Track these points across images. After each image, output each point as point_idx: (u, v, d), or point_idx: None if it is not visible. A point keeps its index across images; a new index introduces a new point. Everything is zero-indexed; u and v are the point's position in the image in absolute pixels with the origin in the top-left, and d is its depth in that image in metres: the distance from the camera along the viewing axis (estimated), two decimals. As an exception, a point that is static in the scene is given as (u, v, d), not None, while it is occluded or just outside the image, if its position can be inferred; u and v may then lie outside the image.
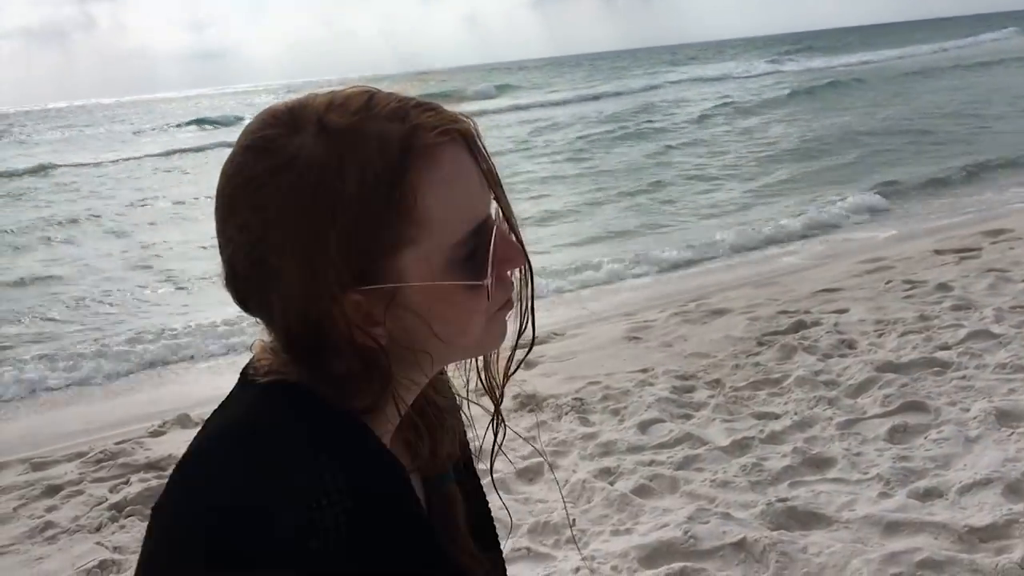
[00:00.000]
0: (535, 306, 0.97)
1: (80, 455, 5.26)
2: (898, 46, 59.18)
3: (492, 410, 1.04)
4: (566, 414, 4.92)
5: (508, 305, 0.94)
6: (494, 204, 0.91)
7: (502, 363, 1.02)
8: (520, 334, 0.99)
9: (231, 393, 0.92)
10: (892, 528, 3.39)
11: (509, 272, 0.93)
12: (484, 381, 1.03)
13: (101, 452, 5.20)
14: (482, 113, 35.42)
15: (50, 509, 4.50)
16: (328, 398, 0.86)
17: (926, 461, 3.89)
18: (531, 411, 5.04)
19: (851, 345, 5.52)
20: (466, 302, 0.87)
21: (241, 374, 0.92)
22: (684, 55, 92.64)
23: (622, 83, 47.68)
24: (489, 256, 0.87)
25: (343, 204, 0.79)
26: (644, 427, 4.63)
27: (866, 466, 3.94)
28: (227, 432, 0.86)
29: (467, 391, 1.10)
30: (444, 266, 0.84)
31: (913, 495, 3.62)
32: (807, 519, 3.55)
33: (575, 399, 5.08)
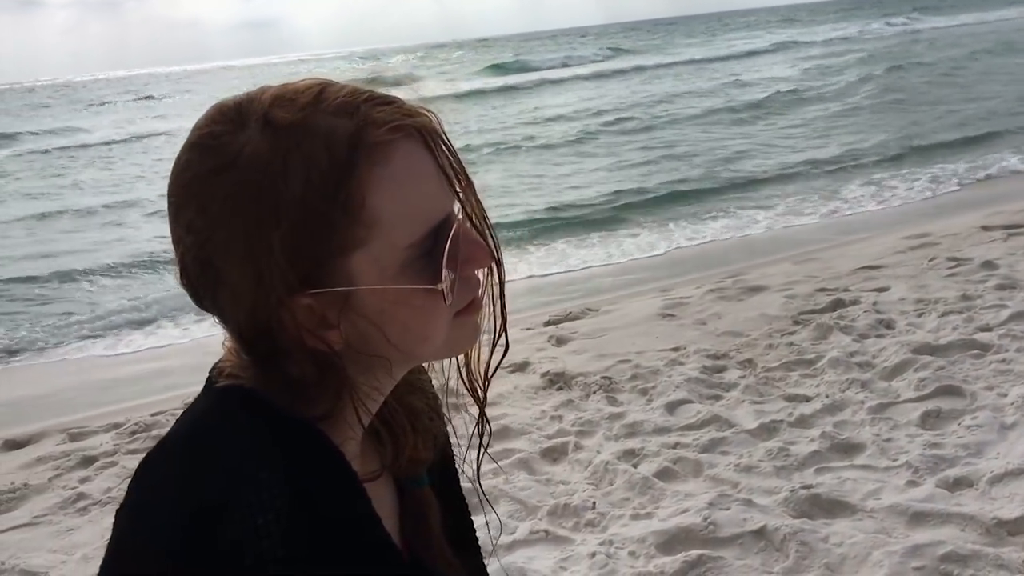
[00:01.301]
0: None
1: (116, 426, 5.36)
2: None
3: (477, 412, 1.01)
4: (594, 393, 4.89)
5: (475, 305, 0.90)
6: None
7: (482, 364, 0.99)
8: (495, 339, 0.95)
9: (199, 394, 0.90)
10: (918, 519, 3.32)
11: (477, 272, 0.89)
12: (466, 382, 1.00)
13: (136, 424, 5.29)
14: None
15: (83, 480, 4.59)
16: (283, 404, 0.84)
17: (958, 449, 3.79)
18: (559, 389, 5.01)
19: (889, 325, 5.40)
20: (424, 306, 0.83)
21: (209, 374, 0.91)
22: (760, 19, 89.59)
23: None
24: (443, 258, 0.82)
25: (287, 205, 0.76)
26: (671, 408, 4.58)
27: (895, 453, 3.85)
28: (179, 438, 0.85)
29: (447, 391, 1.07)
30: (397, 268, 0.81)
31: (942, 484, 3.53)
32: (831, 507, 3.49)
33: (604, 378, 5.04)
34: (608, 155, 16.45)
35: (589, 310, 6.65)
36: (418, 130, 0.82)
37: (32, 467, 4.85)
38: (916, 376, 4.52)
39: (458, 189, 0.86)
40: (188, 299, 0.86)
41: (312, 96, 0.80)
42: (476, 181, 0.89)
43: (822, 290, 6.28)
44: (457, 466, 1.16)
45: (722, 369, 5.07)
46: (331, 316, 0.81)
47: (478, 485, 1.09)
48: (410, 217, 0.80)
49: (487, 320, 0.94)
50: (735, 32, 63.48)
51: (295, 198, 0.76)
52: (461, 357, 0.98)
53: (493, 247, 0.90)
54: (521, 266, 8.88)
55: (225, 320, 0.84)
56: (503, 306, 0.93)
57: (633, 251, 9.24)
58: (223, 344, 0.92)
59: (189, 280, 0.83)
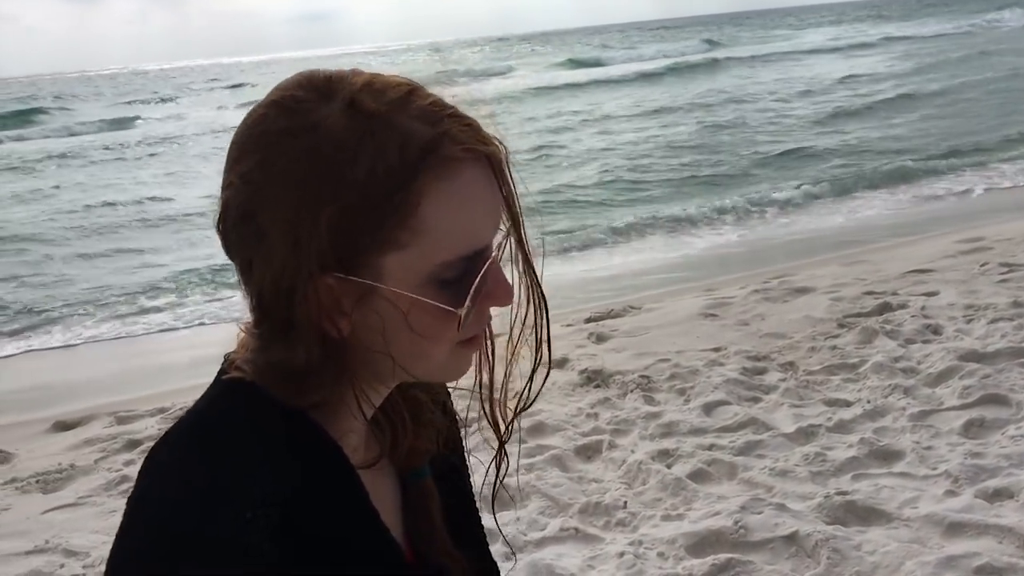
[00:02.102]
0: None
1: (162, 410, 5.47)
2: None
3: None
4: (631, 391, 4.87)
5: (476, 341, 0.91)
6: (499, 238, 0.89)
7: (510, 396, 0.99)
8: (534, 370, 0.95)
9: (209, 385, 0.92)
10: (954, 529, 3.26)
11: (491, 310, 0.91)
12: (487, 414, 1.01)
13: (181, 408, 5.37)
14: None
15: (128, 463, 4.69)
16: (284, 394, 0.85)
17: (1000, 459, 3.71)
18: (596, 387, 5.00)
19: (936, 331, 5.30)
20: (434, 325, 0.84)
21: (221, 364, 0.93)
22: (835, 15, 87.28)
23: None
24: (472, 287, 0.83)
25: (347, 187, 0.77)
26: (709, 409, 4.54)
27: (935, 461, 3.79)
28: (181, 431, 0.87)
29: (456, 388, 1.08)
30: (423, 280, 0.82)
31: (981, 495, 3.47)
32: (866, 514, 3.44)
33: (642, 376, 5.02)
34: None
35: (631, 308, 6.62)
36: (488, 158, 0.83)
37: (79, 449, 4.97)
38: (961, 384, 4.44)
39: (506, 225, 0.87)
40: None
41: (401, 94, 0.81)
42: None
43: (869, 293, 6.18)
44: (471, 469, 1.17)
45: (762, 371, 5.02)
46: (347, 303, 0.82)
47: (493, 517, 1.11)
48: (453, 236, 0.81)
49: (529, 357, 0.94)
50: (821, 28, 61.64)
51: (356, 183, 0.77)
52: (485, 381, 0.99)
53: (536, 290, 0.91)
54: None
55: (248, 279, 0.84)
56: (548, 345, 0.94)
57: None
58: (238, 335, 0.93)
59: (227, 228, 0.84)
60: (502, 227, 0.88)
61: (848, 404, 4.46)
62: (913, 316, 5.53)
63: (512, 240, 0.89)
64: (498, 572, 1.18)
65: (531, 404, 0.99)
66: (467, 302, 0.83)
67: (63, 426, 5.43)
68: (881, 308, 5.81)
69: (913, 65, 26.87)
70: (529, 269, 0.90)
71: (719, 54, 40.45)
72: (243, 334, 0.92)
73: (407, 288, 0.81)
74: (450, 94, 0.85)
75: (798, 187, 11.60)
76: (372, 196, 0.77)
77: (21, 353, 7.69)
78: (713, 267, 8.27)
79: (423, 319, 0.83)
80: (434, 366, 0.88)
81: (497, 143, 0.84)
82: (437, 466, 1.08)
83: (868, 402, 4.42)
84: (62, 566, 3.62)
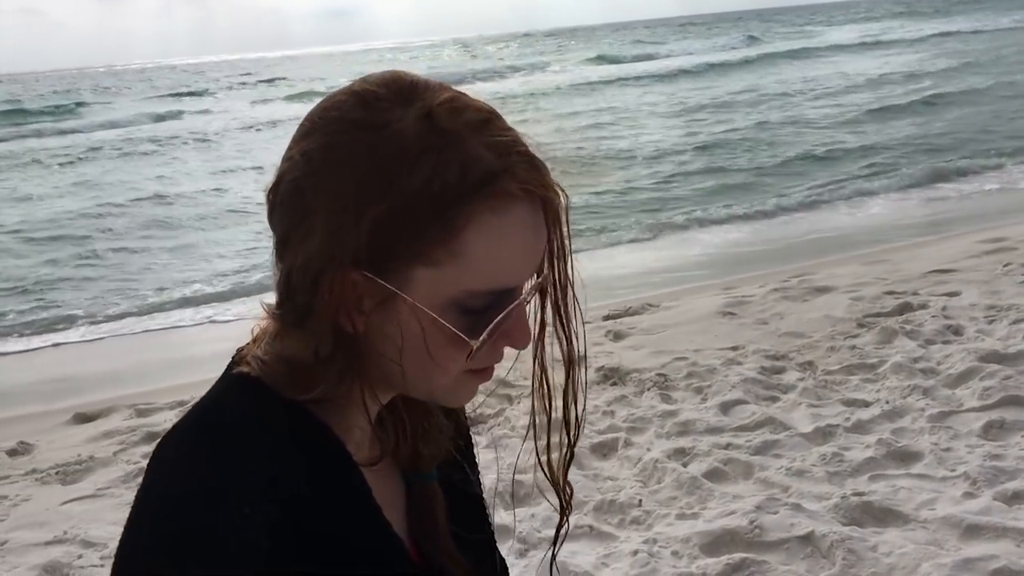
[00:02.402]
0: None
1: (181, 404, 5.50)
2: None
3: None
4: (648, 390, 4.86)
5: (485, 375, 0.91)
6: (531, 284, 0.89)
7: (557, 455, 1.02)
8: (572, 432, 0.99)
9: (218, 378, 0.93)
10: (972, 531, 3.23)
11: (505, 349, 0.90)
12: (547, 474, 1.03)
13: (199, 403, 5.42)
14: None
15: (146, 456, 4.68)
16: (289, 389, 0.86)
17: (1019, 461, 3.68)
18: (613, 384, 4.99)
19: (957, 331, 5.26)
20: (446, 349, 0.84)
21: (232, 358, 0.94)
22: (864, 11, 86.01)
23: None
24: (492, 323, 0.84)
25: (398, 192, 0.77)
26: (726, 408, 4.53)
27: (954, 463, 3.75)
28: (188, 424, 0.87)
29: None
30: (447, 303, 0.82)
31: (1000, 497, 3.43)
32: (883, 516, 3.42)
33: (659, 375, 5.01)
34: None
35: (649, 305, 6.61)
36: (543, 202, 0.83)
37: (99, 441, 5.01)
38: (981, 385, 4.40)
39: (546, 272, 0.88)
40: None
41: (478, 119, 0.81)
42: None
43: (890, 293, 6.14)
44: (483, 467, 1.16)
45: (781, 370, 4.99)
46: (367, 303, 0.82)
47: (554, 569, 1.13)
48: (488, 269, 0.81)
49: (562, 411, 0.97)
50: (856, 24, 60.33)
51: (408, 191, 0.77)
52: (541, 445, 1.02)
53: (569, 344, 0.92)
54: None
55: (282, 254, 0.85)
56: (576, 403, 0.97)
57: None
58: (252, 329, 0.94)
59: (275, 197, 0.85)
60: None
61: (866, 404, 4.43)
62: (934, 316, 5.49)
63: (551, 289, 0.90)
64: (506, 570, 1.18)
65: (569, 464, 1.03)
66: (483, 335, 0.83)
67: (83, 418, 5.48)
68: (901, 308, 5.77)
69: (959, 62, 26.39)
70: (566, 323, 0.91)
71: (763, 50, 40.01)
72: (258, 327, 0.93)
73: (429, 305, 0.82)
74: (529, 137, 0.85)
75: (825, 185, 11.54)
76: (420, 208, 0.78)
77: (49, 346, 7.76)
78: (733, 265, 8.24)
79: (436, 340, 0.83)
80: (437, 388, 0.89)
81: (558, 190, 0.84)
82: (444, 470, 1.08)
83: (887, 403, 4.39)
84: (80, 557, 3.66)
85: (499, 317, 0.83)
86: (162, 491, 0.82)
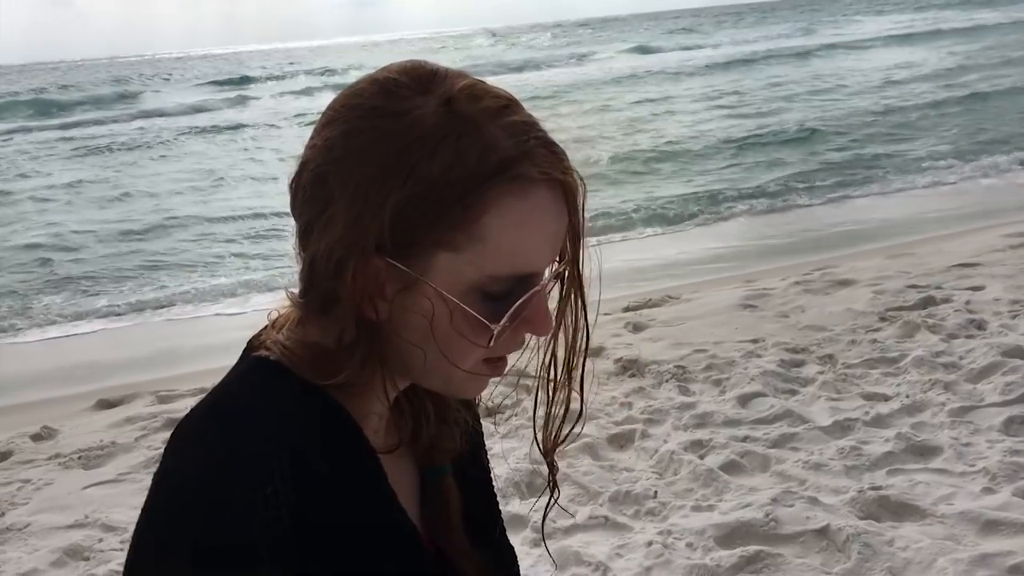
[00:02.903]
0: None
1: (202, 391, 5.49)
2: None
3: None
4: (666, 381, 4.85)
5: (501, 366, 0.92)
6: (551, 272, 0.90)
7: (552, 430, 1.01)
8: (581, 412, 0.98)
9: (235, 362, 0.95)
10: (990, 527, 3.21)
11: (526, 338, 0.91)
12: (540, 444, 1.02)
13: (220, 390, 5.46)
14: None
15: (166, 442, 4.76)
16: (310, 373, 0.87)
17: (1040, 457, 3.65)
18: (632, 376, 4.98)
19: (980, 326, 5.20)
20: (467, 335, 0.85)
21: (248, 343, 0.95)
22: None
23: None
24: (513, 307, 0.84)
25: (419, 177, 0.79)
26: (744, 400, 4.51)
27: (973, 458, 3.72)
28: (205, 406, 0.89)
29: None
30: (469, 288, 0.83)
31: (1019, 493, 3.40)
32: (899, 510, 3.40)
33: (677, 367, 5.00)
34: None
35: (670, 297, 6.58)
36: (563, 187, 0.84)
37: (121, 427, 5.05)
38: (1003, 380, 4.36)
39: (570, 258, 0.89)
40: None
41: (498, 105, 0.83)
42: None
43: (913, 286, 6.08)
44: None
45: (800, 364, 4.96)
46: (389, 290, 0.83)
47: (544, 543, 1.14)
48: (508, 253, 0.82)
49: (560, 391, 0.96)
50: (904, 12, 56.89)
51: (429, 176, 0.79)
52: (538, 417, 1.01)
53: (582, 322, 0.92)
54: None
55: (305, 243, 0.86)
56: (581, 381, 0.96)
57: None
58: (268, 316, 0.96)
59: (298, 185, 0.86)
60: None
61: (886, 398, 4.40)
62: (957, 310, 5.44)
63: (569, 275, 0.90)
64: (515, 560, 1.18)
65: (563, 442, 1.01)
66: (504, 319, 0.84)
67: (106, 404, 5.53)
68: (924, 302, 5.72)
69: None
70: (582, 308, 0.92)
71: (821, 40, 38.69)
72: (276, 314, 0.95)
73: (450, 291, 0.83)
74: (549, 123, 0.87)
75: (854, 175, 11.45)
76: (441, 193, 0.79)
77: (80, 334, 7.85)
78: (755, 257, 8.20)
79: (458, 325, 0.84)
80: (454, 376, 0.89)
81: (576, 176, 0.85)
82: (458, 464, 1.08)
83: (907, 397, 4.36)
84: (100, 540, 3.70)
85: (519, 301, 0.84)
86: (179, 470, 0.83)
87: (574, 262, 0.89)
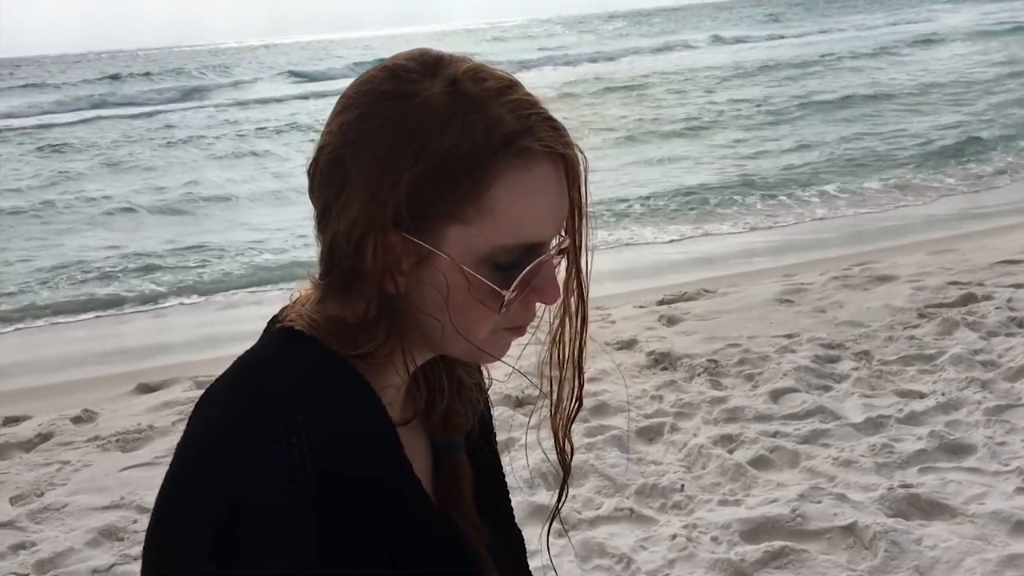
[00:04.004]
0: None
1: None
2: None
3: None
4: (698, 375, 4.83)
5: (519, 331, 0.95)
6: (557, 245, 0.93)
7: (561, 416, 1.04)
8: (576, 395, 1.02)
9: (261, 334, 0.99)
10: (1021, 527, 3.16)
11: (539, 306, 0.95)
12: (557, 435, 1.05)
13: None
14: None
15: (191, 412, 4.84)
16: (333, 343, 0.90)
17: (1077, 458, 3.58)
18: (664, 369, 4.97)
19: (1021, 324, 5.11)
20: (480, 303, 0.89)
21: (272, 317, 0.99)
22: None
23: None
24: (522, 274, 0.88)
25: (430, 152, 0.83)
26: (776, 396, 4.48)
27: (1008, 457, 3.67)
28: (229, 374, 0.91)
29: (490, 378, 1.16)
30: (480, 260, 0.87)
31: (1053, 494, 3.35)
32: (929, 508, 3.36)
33: (710, 361, 4.97)
34: None
35: (705, 291, 6.54)
36: (565, 161, 0.89)
37: (159, 411, 5.15)
38: (1042, 379, 4.28)
39: (570, 230, 0.92)
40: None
41: (501, 85, 0.88)
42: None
43: (954, 283, 5.98)
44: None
45: (835, 359, 4.91)
46: (405, 264, 0.87)
47: (546, 543, 1.25)
48: (515, 224, 0.86)
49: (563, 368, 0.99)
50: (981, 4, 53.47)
51: (439, 152, 0.83)
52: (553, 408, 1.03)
53: (580, 296, 0.96)
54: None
55: (324, 225, 0.90)
56: (580, 360, 0.99)
57: None
58: (290, 296, 1.00)
59: (316, 170, 0.90)
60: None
61: (921, 396, 4.35)
62: (998, 308, 5.34)
63: (571, 248, 0.93)
64: (522, 542, 1.21)
65: (573, 420, 1.04)
66: (514, 285, 0.88)
67: (146, 388, 5.63)
68: (965, 299, 5.63)
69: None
70: (578, 283, 0.95)
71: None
72: (299, 293, 0.98)
73: (463, 261, 0.87)
74: (548, 102, 0.90)
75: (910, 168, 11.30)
76: (450, 168, 0.83)
77: (129, 313, 8.01)
78: (795, 251, 8.12)
79: (472, 295, 0.88)
80: (474, 342, 0.92)
81: (577, 150, 0.89)
82: (470, 446, 1.12)
83: (942, 394, 4.30)
84: (135, 521, 3.78)
85: (527, 269, 0.88)
86: (204, 434, 0.86)
87: (577, 235, 0.92)
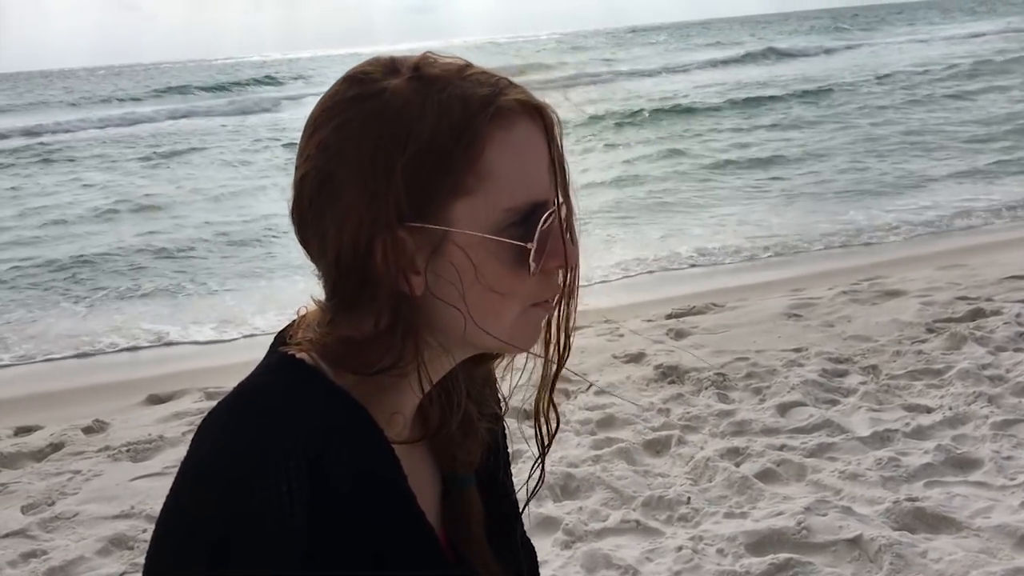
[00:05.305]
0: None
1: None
2: None
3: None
4: (706, 389, 4.84)
5: (546, 306, 0.93)
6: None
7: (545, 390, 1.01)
8: (563, 349, 0.97)
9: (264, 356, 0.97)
10: (1027, 542, 3.16)
11: (558, 271, 0.92)
12: (543, 406, 1.02)
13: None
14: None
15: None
16: (346, 366, 0.89)
17: (1083, 473, 3.58)
18: (671, 383, 4.98)
19: (1030, 339, 5.11)
20: (504, 277, 0.87)
21: (277, 336, 0.97)
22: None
23: None
24: (538, 227, 0.87)
25: (416, 135, 0.83)
26: (783, 409, 4.49)
27: (1014, 471, 3.67)
28: (230, 399, 0.89)
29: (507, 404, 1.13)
30: (492, 226, 0.86)
31: (1060, 509, 3.35)
32: (935, 522, 3.36)
33: (718, 374, 4.98)
34: None
35: (714, 305, 6.56)
36: (541, 116, 0.89)
37: (169, 421, 5.18)
38: (1050, 394, 4.28)
39: (559, 188, 0.90)
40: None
41: (460, 65, 0.89)
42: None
43: (963, 298, 5.99)
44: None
45: (843, 374, 4.92)
46: (420, 260, 0.86)
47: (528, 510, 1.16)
48: (517, 183, 0.86)
49: (552, 342, 0.96)
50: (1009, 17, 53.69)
51: (424, 132, 0.83)
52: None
53: (568, 270, 0.92)
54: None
55: (323, 254, 0.88)
56: (566, 323, 0.95)
57: None
58: (298, 311, 0.97)
59: (302, 205, 0.88)
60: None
61: (929, 410, 4.35)
62: (1006, 323, 5.35)
63: (562, 203, 0.90)
64: (537, 567, 1.19)
65: (555, 381, 0.99)
66: (535, 237, 0.86)
67: (156, 399, 5.67)
68: (973, 314, 5.63)
69: None
70: (569, 239, 0.91)
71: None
72: (304, 311, 0.95)
73: (479, 230, 0.85)
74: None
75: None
76: (440, 145, 0.83)
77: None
78: (803, 266, 8.13)
79: (495, 268, 0.86)
80: (504, 327, 0.90)
81: (551, 110, 0.90)
82: (482, 476, 1.09)
83: (950, 409, 4.30)
84: (144, 531, 3.80)
85: (540, 223, 0.87)
86: (204, 460, 0.84)
87: (562, 192, 0.90)
